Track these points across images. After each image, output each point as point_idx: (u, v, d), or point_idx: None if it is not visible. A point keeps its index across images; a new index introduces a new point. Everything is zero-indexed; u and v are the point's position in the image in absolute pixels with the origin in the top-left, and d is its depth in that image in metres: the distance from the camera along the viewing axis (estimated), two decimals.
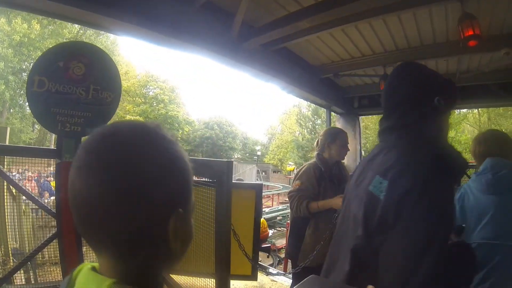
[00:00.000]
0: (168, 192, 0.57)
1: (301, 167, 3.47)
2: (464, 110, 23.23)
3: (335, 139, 3.40)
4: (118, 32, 3.54)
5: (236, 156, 40.78)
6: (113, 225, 0.53)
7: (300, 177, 3.37)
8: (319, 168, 3.36)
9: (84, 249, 3.04)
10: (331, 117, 8.45)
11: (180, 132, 34.72)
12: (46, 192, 7.99)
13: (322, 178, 3.34)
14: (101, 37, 30.14)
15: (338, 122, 8.35)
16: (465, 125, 24.78)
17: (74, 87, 3.02)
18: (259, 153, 40.39)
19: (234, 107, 74.54)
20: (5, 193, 3.24)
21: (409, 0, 3.68)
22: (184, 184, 0.62)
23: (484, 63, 5.97)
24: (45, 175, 6.88)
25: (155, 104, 33.54)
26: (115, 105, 3.31)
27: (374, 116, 20.25)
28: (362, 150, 9.84)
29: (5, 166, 3.03)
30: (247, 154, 40.88)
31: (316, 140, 3.57)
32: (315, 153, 3.50)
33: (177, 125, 34.37)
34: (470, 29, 3.48)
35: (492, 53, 5.24)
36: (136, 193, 0.53)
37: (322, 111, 31.28)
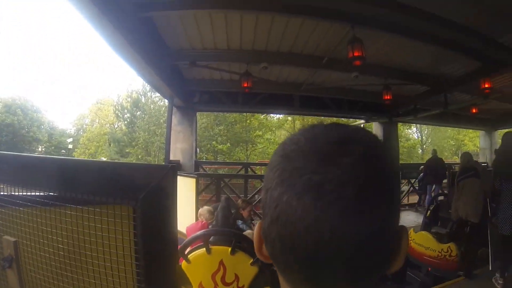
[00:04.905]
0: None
1: None
2: (281, 117, 26.96)
3: None
4: None
5: (40, 149, 33.75)
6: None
7: None
8: None
9: None
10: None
11: None
12: None
13: None
14: None
15: (174, 116, 8.05)
16: (281, 131, 28.59)
17: None
18: (70, 146, 33.88)
19: (41, 88, 59.70)
20: None
21: (306, 8, 3.87)
22: None
23: (329, 80, 6.83)
24: None
25: None
26: None
27: None
28: (197, 147, 10.01)
29: None
30: (53, 147, 34.85)
31: None
32: None
33: None
34: (358, 51, 4.07)
35: (342, 73, 6.06)
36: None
37: (144, 104, 30.50)
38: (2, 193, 1.84)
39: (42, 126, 34.79)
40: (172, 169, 1.37)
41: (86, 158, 29.20)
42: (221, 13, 4.21)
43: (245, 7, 3.88)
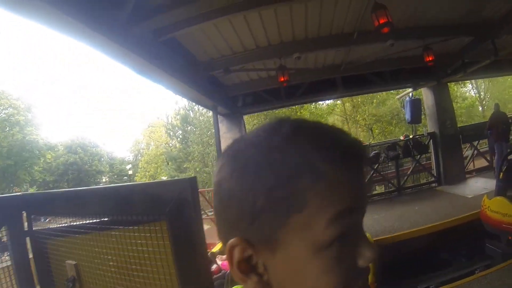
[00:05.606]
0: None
1: None
2: (330, 102, 26.48)
3: None
4: None
5: (104, 180, 37.12)
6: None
7: None
8: None
9: None
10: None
11: (42, 160, 30.23)
12: None
13: None
14: None
15: (222, 124, 8.21)
16: (333, 116, 27.89)
17: None
18: (130, 171, 37.10)
19: (96, 125, 66.81)
20: None
21: None
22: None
23: (366, 55, 6.60)
24: None
25: (8, 129, 27.80)
26: None
27: None
28: None
29: None
30: (115, 176, 37.80)
31: None
32: None
33: (37, 151, 29.32)
34: (383, 18, 3.85)
35: (377, 44, 5.81)
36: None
37: (193, 118, 31.45)
38: (62, 224, 2.12)
39: (102, 158, 37.66)
40: (190, 181, 1.47)
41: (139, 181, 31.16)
42: (240, 16, 4.23)
43: (260, 4, 3.89)
